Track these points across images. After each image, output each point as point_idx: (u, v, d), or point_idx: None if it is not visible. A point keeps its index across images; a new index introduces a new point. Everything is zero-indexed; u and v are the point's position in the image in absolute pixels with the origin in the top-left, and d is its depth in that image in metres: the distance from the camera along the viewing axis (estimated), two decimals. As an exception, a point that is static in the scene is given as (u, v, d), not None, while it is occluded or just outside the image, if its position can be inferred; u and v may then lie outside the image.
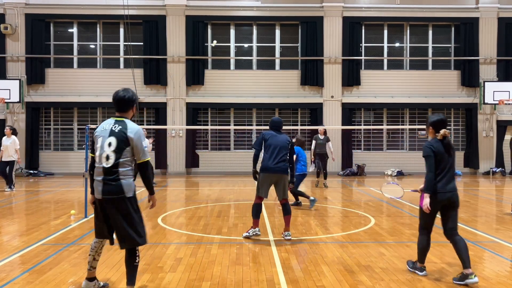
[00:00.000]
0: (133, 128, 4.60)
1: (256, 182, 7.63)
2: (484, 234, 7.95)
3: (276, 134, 7.56)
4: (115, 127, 4.59)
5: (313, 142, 14.92)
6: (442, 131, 5.30)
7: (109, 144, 4.54)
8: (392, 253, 6.63)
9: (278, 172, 7.41)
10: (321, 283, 5.30)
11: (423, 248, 5.56)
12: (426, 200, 5.34)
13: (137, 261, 4.62)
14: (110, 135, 4.56)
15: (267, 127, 7.85)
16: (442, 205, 5.35)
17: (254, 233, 7.53)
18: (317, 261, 6.18)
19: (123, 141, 4.54)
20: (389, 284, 5.28)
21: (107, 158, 4.53)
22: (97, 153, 4.62)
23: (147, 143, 14.59)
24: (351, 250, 6.80)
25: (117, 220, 4.54)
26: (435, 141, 5.35)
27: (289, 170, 7.58)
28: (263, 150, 7.55)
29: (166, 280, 5.40)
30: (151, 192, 4.80)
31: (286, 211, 7.54)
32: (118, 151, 4.53)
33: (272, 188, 7.59)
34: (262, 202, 7.63)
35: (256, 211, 7.51)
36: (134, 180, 4.74)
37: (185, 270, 5.77)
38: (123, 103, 4.69)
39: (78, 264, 6.02)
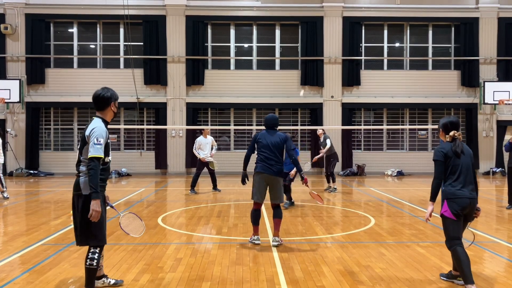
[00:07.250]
0: (91, 126, 4.73)
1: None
2: (484, 234, 7.94)
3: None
4: (86, 127, 4.82)
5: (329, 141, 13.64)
6: (451, 133, 5.11)
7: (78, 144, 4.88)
8: (392, 253, 6.63)
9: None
10: (321, 283, 5.30)
11: (466, 261, 4.87)
12: (429, 208, 5.10)
13: (87, 263, 4.67)
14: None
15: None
16: (465, 212, 5.04)
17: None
18: (317, 261, 6.18)
19: (82, 140, 4.76)
20: (389, 284, 5.27)
21: (77, 157, 4.83)
22: None
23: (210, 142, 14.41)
24: (351, 250, 6.80)
25: (76, 216, 4.74)
26: (447, 144, 5.12)
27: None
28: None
29: (166, 280, 5.40)
30: (89, 195, 4.56)
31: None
32: (80, 150, 4.77)
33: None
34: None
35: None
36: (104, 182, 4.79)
37: (185, 270, 5.77)
38: (97, 101, 4.87)
39: (78, 264, 6.01)
